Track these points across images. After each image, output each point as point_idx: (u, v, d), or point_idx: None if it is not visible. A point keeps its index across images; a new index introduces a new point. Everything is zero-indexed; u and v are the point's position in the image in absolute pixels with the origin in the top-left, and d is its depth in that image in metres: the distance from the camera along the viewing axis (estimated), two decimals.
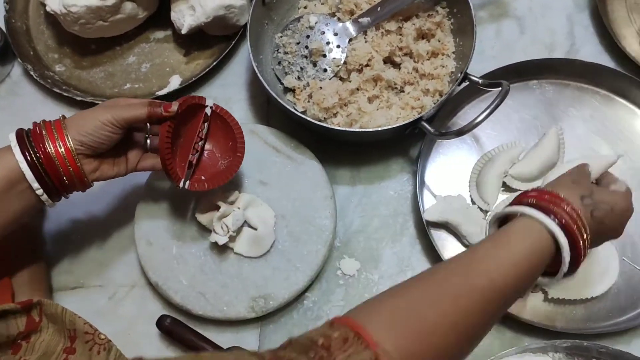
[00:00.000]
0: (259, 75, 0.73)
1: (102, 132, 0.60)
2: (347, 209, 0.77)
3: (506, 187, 0.75)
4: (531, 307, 0.70)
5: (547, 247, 0.52)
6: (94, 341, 0.59)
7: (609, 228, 0.58)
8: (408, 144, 0.80)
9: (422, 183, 0.76)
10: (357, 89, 0.79)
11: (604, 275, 0.69)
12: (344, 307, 0.72)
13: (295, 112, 0.73)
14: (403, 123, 0.70)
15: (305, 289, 0.71)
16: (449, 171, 0.78)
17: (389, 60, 0.81)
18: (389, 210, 0.77)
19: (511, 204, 0.57)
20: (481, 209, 0.74)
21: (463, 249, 0.73)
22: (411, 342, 0.45)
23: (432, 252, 0.73)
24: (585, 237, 0.53)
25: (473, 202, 0.75)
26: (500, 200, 0.74)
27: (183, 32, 0.81)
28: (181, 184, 0.65)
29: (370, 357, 0.41)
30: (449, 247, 0.73)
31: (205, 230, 0.72)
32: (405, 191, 0.78)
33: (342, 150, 0.80)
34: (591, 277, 0.69)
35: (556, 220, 0.52)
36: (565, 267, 0.53)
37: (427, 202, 0.76)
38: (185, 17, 0.81)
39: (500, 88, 0.67)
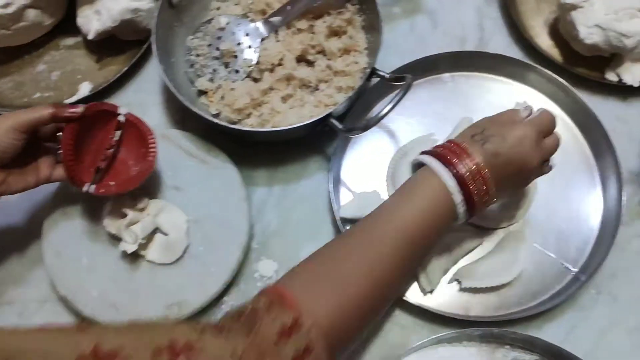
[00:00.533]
0: (166, 79, 0.72)
1: (4, 140, 0.58)
2: (264, 210, 0.76)
3: None
4: (447, 298, 0.70)
5: (447, 196, 0.57)
6: None
7: (508, 161, 0.58)
8: (324, 141, 0.79)
9: (339, 180, 0.76)
10: (271, 89, 0.78)
11: (513, 262, 0.70)
12: None
13: (205, 115, 0.72)
14: (311, 121, 0.70)
15: (222, 293, 0.70)
16: (366, 167, 0.78)
17: (302, 59, 0.81)
18: (307, 209, 0.76)
19: (425, 151, 0.61)
20: None
21: None
22: (330, 297, 0.49)
23: None
24: (484, 187, 0.57)
25: None
26: None
27: (90, 37, 0.80)
28: (85, 188, 0.64)
29: (293, 317, 0.46)
30: None
31: (116, 239, 0.70)
32: (323, 189, 0.77)
33: (259, 152, 0.79)
34: (502, 265, 0.70)
35: (453, 170, 0.56)
36: (460, 218, 0.58)
37: (345, 199, 0.75)
38: (92, 22, 0.79)
39: (404, 82, 0.68)
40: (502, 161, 0.58)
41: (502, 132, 0.59)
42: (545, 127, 0.62)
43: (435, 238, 0.58)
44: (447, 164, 0.57)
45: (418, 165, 0.62)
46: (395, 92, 0.78)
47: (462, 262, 0.72)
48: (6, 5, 0.74)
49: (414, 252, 0.56)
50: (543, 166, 0.64)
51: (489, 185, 0.58)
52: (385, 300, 0.54)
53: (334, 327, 0.48)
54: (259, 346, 0.44)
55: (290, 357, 0.45)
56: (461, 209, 0.57)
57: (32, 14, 0.78)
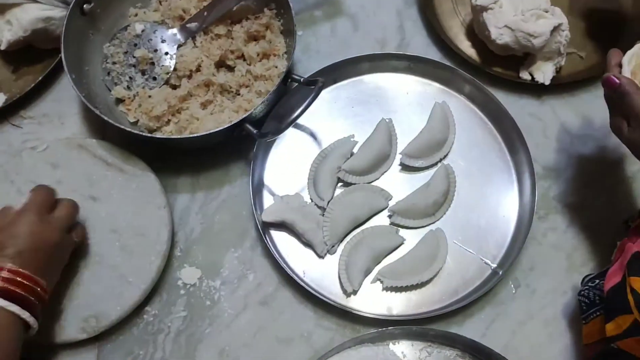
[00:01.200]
0: (75, 89, 0.71)
1: None
2: (187, 217, 0.76)
3: (344, 183, 0.76)
4: (371, 298, 0.71)
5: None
6: None
7: (35, 250, 0.59)
8: (246, 146, 0.79)
9: (261, 184, 0.76)
10: (190, 95, 0.78)
11: (433, 260, 0.71)
12: (185, 317, 0.70)
13: (121, 125, 0.71)
14: (225, 126, 0.70)
15: (143, 303, 0.69)
16: (288, 170, 0.78)
17: (223, 65, 0.80)
18: (230, 214, 0.76)
19: None
20: (318, 206, 0.75)
21: (303, 247, 0.73)
22: None
23: (272, 253, 0.73)
24: (30, 284, 0.58)
25: (311, 200, 0.76)
26: (337, 195, 0.75)
27: (2, 48, 0.77)
28: None
29: None
30: (290, 246, 0.73)
31: None
32: (245, 194, 0.77)
33: (181, 158, 0.78)
34: (422, 263, 0.71)
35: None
36: (32, 323, 0.58)
37: (268, 202, 0.75)
38: (3, 33, 0.77)
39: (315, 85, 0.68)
40: (29, 255, 0.59)
41: (9, 233, 0.60)
42: (41, 203, 0.63)
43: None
44: None
45: None
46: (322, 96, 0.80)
47: (384, 262, 0.72)
48: None
49: None
50: (71, 236, 0.66)
51: (34, 280, 0.58)
52: None
53: None
54: None
55: None
56: (25, 315, 0.57)
57: None
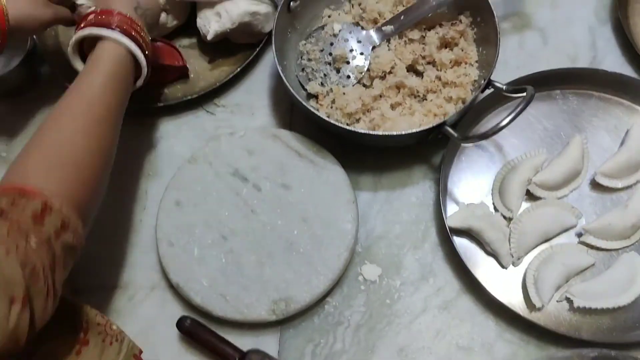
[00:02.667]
0: (284, 79, 0.74)
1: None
2: (369, 214, 0.77)
3: (529, 195, 0.75)
4: (556, 316, 0.69)
5: (122, 53, 0.64)
6: (105, 332, 0.59)
7: None
8: (430, 151, 0.80)
9: (445, 190, 0.76)
10: (380, 96, 0.79)
11: (630, 283, 0.68)
12: (365, 312, 0.71)
13: (321, 115, 0.73)
14: (427, 127, 0.70)
15: (327, 293, 0.71)
16: (472, 179, 0.77)
17: (411, 69, 0.82)
18: (411, 216, 0.76)
19: (80, 27, 0.66)
20: (504, 216, 0.73)
21: (486, 256, 0.72)
22: (69, 178, 0.55)
23: (454, 259, 0.72)
24: (143, 34, 0.66)
25: (496, 210, 0.75)
26: (524, 208, 0.74)
27: (209, 38, 0.82)
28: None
29: (41, 202, 0.50)
30: (472, 254, 0.72)
31: (228, 233, 0.72)
32: (428, 198, 0.77)
33: (364, 156, 0.80)
34: (617, 286, 0.68)
35: (117, 29, 0.63)
36: (143, 64, 0.66)
37: (450, 209, 0.75)
38: (210, 24, 0.82)
39: (524, 94, 0.67)
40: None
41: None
42: None
43: (126, 89, 0.66)
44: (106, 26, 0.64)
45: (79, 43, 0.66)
46: (509, 105, 0.79)
47: (574, 281, 0.70)
48: None
49: (117, 111, 0.64)
50: None
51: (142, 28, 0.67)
52: (106, 158, 0.61)
53: (80, 200, 0.55)
54: (19, 227, 0.48)
55: (52, 232, 0.50)
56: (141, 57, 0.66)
57: (161, 16, 0.82)
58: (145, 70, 0.67)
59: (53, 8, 0.72)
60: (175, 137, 0.83)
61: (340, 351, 0.69)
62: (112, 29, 0.63)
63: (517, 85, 0.76)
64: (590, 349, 0.64)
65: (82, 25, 0.65)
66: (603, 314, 0.68)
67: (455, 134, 0.70)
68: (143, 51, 0.66)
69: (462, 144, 0.73)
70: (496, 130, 0.66)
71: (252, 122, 0.84)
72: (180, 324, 0.68)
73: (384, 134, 0.71)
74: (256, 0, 0.81)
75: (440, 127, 0.71)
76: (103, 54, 0.63)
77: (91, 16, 0.65)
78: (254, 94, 0.86)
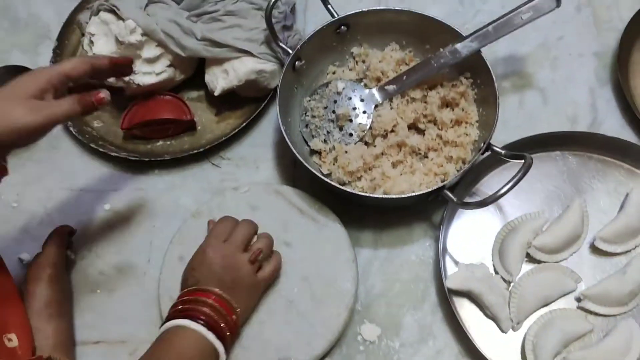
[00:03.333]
0: (286, 138, 0.75)
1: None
2: (369, 272, 0.77)
3: (530, 258, 0.75)
4: None
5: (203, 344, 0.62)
6: None
7: (208, 271, 0.67)
8: (431, 209, 0.80)
9: (445, 249, 0.77)
10: (382, 154, 0.80)
11: (627, 352, 0.68)
12: None
13: (321, 175, 0.75)
14: (426, 191, 0.71)
15: (326, 353, 0.71)
16: (471, 239, 0.78)
17: (413, 127, 0.83)
18: (411, 275, 0.77)
19: (170, 316, 0.65)
20: (504, 279, 0.74)
21: (486, 319, 0.72)
22: None
23: (453, 321, 0.73)
24: (226, 313, 0.64)
25: (496, 272, 0.75)
26: (524, 272, 0.74)
27: (216, 94, 0.84)
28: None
29: None
30: (471, 316, 0.73)
31: None
32: (427, 257, 0.78)
33: (365, 213, 0.81)
34: (614, 354, 0.68)
35: (200, 321, 0.62)
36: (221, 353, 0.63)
37: (449, 269, 0.76)
38: (218, 80, 0.84)
39: (523, 161, 0.68)
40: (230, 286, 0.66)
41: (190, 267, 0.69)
42: (243, 239, 0.70)
43: None
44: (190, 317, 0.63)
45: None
46: (509, 166, 0.80)
47: (572, 347, 0.70)
48: (153, 64, 0.82)
49: None
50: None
51: (233, 309, 0.65)
52: None
53: None
54: None
55: None
56: (220, 348, 0.63)
57: (168, 71, 0.84)
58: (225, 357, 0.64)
59: (44, 110, 0.57)
60: (181, 188, 0.85)
61: None
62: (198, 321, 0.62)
63: (516, 148, 0.77)
64: None
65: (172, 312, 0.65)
66: None
67: (454, 199, 0.71)
68: (225, 341, 0.64)
69: (463, 209, 0.74)
70: (494, 198, 0.67)
71: (256, 175, 0.85)
72: None
73: (382, 197, 0.73)
74: (263, 59, 0.83)
75: (439, 190, 0.72)
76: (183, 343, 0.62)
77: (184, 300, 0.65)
78: (258, 147, 0.88)
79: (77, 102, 0.60)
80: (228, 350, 0.65)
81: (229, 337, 0.64)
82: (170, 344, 0.61)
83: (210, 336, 0.62)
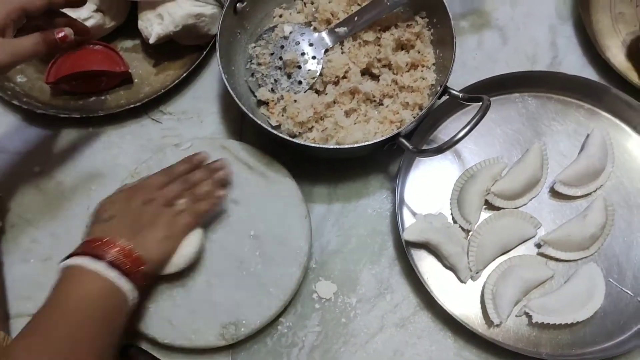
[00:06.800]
0: (229, 89, 0.69)
1: None
2: (323, 228, 0.74)
3: (489, 205, 0.72)
4: (515, 331, 0.67)
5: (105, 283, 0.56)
6: None
7: (123, 216, 0.61)
8: (388, 158, 0.76)
9: (402, 201, 0.73)
10: (334, 102, 0.75)
11: (589, 298, 0.66)
12: (320, 332, 0.68)
13: (269, 128, 0.69)
14: (380, 139, 0.67)
15: (279, 314, 0.68)
16: (430, 188, 0.74)
17: (367, 72, 0.78)
18: (367, 229, 0.73)
19: (71, 254, 0.59)
20: (463, 228, 0.71)
21: (444, 270, 0.70)
22: None
23: (411, 274, 0.70)
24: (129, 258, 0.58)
25: (454, 221, 0.72)
26: (483, 219, 0.71)
27: (151, 41, 0.77)
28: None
29: None
30: (430, 268, 0.70)
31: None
32: (384, 209, 0.74)
33: (318, 166, 0.76)
34: (576, 300, 0.66)
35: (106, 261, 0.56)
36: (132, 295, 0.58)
37: (407, 220, 0.72)
38: (153, 26, 0.77)
39: (480, 103, 0.64)
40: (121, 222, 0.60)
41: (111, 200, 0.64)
42: (149, 183, 0.65)
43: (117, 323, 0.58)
44: (96, 258, 0.57)
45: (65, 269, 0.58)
46: (468, 110, 0.76)
47: (533, 295, 0.68)
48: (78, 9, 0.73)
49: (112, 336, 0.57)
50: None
51: (134, 255, 0.58)
52: None
53: None
54: None
55: None
56: (127, 286, 0.57)
57: (95, 16, 0.76)
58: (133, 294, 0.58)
59: (8, 48, 0.58)
60: (119, 147, 0.79)
61: None
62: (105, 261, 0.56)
63: (474, 91, 0.73)
64: None
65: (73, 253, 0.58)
66: (562, 329, 0.66)
67: (410, 146, 0.67)
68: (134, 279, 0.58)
69: (419, 156, 0.70)
70: (450, 144, 0.63)
71: (200, 130, 0.80)
72: (124, 352, 0.65)
73: (334, 147, 0.68)
74: (201, 1, 0.76)
75: (394, 138, 0.68)
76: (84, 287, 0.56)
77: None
78: (202, 99, 0.81)
79: (42, 40, 0.59)
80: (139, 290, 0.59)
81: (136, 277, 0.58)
82: (68, 287, 0.57)
83: (112, 274, 0.56)
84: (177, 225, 0.63)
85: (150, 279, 0.62)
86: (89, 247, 0.58)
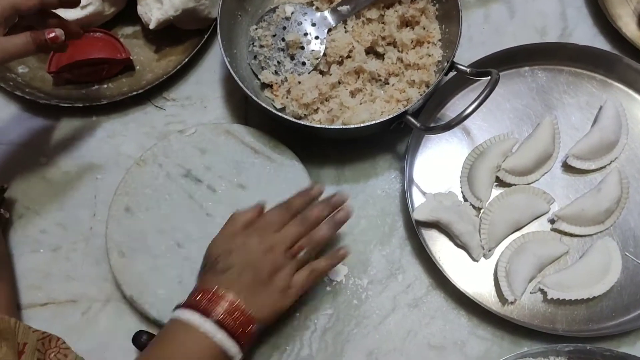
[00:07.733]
0: (232, 73, 0.68)
1: None
2: None
3: (500, 182, 0.71)
4: (530, 308, 0.66)
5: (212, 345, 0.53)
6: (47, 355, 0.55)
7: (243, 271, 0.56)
8: (395, 138, 0.75)
9: (411, 180, 0.72)
10: (339, 83, 0.74)
11: (605, 272, 0.65)
12: (331, 315, 0.68)
13: (273, 110, 0.68)
14: (387, 118, 0.66)
15: None
16: (439, 166, 0.73)
17: (371, 51, 0.76)
18: (377, 210, 0.72)
19: (178, 307, 0.57)
20: (474, 206, 0.70)
21: (456, 249, 0.69)
22: None
23: (423, 253, 0.69)
24: (242, 318, 0.54)
25: (465, 199, 0.71)
26: (494, 196, 0.70)
27: (151, 27, 0.76)
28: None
29: None
30: (441, 247, 0.69)
31: (183, 239, 0.68)
32: (394, 189, 0.73)
33: (325, 148, 0.75)
34: (592, 275, 0.65)
35: (214, 319, 0.53)
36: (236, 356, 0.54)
37: (417, 200, 0.71)
38: (152, 11, 0.76)
39: (489, 77, 0.63)
40: (237, 274, 0.56)
41: (227, 247, 0.58)
42: (267, 223, 0.60)
43: None
44: (205, 314, 0.54)
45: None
46: (476, 86, 0.75)
47: (548, 271, 0.67)
48: None
49: None
50: (293, 259, 0.59)
51: (246, 315, 0.55)
52: None
53: None
54: None
55: None
56: (234, 349, 0.54)
57: (94, 3, 0.75)
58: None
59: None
60: (123, 135, 0.78)
61: (308, 357, 0.66)
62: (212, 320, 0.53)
63: (482, 65, 0.72)
64: (565, 344, 0.62)
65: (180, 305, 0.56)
66: (578, 304, 0.65)
67: (418, 124, 0.66)
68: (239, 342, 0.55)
69: (428, 134, 0.69)
70: (459, 120, 0.62)
71: (204, 116, 0.79)
72: (136, 339, 0.64)
73: (340, 127, 0.67)
74: None
75: (401, 116, 0.66)
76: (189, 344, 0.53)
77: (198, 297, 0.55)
78: (205, 85, 0.80)
79: (32, 40, 0.58)
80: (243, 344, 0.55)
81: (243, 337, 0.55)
82: (172, 343, 0.54)
83: (220, 335, 0.53)
84: (296, 283, 0.59)
85: (256, 337, 0.57)
86: (201, 301, 0.55)
